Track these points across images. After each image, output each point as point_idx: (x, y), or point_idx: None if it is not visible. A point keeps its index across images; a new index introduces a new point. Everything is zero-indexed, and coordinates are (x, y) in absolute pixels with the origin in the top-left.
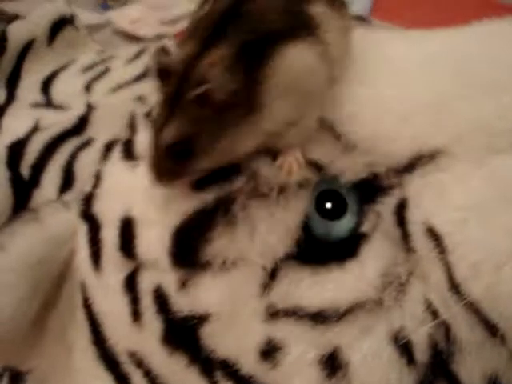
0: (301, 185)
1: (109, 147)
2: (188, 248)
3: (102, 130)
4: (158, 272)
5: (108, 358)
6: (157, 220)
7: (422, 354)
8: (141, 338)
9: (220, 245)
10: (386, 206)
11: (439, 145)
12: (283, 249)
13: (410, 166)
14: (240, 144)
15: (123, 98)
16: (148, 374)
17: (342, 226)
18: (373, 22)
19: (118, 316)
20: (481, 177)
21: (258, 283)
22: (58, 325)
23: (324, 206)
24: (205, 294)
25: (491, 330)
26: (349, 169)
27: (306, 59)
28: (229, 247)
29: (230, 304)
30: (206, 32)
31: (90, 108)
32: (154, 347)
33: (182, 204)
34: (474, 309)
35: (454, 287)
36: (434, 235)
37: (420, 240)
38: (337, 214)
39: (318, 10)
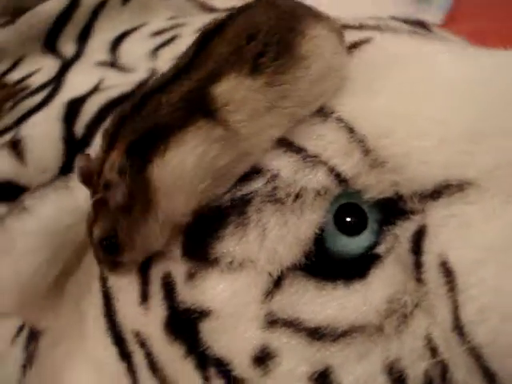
0: (319, 194)
1: None
2: (199, 241)
3: None
4: (170, 260)
5: (116, 333)
6: None
7: None
8: (146, 321)
9: (230, 244)
10: (404, 230)
11: (471, 176)
12: (291, 258)
13: (437, 192)
14: (154, 238)
15: None
16: (149, 355)
17: (359, 244)
18: (433, 30)
19: (128, 294)
20: (509, 218)
21: (261, 288)
22: (75, 292)
23: (344, 219)
24: (209, 291)
25: (490, 378)
26: (374, 185)
27: (192, 154)
28: (238, 248)
29: (231, 304)
30: (110, 130)
31: (152, 74)
32: (156, 332)
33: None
34: (475, 354)
35: (459, 328)
36: (447, 270)
37: (432, 272)
38: (355, 230)
39: (225, 88)
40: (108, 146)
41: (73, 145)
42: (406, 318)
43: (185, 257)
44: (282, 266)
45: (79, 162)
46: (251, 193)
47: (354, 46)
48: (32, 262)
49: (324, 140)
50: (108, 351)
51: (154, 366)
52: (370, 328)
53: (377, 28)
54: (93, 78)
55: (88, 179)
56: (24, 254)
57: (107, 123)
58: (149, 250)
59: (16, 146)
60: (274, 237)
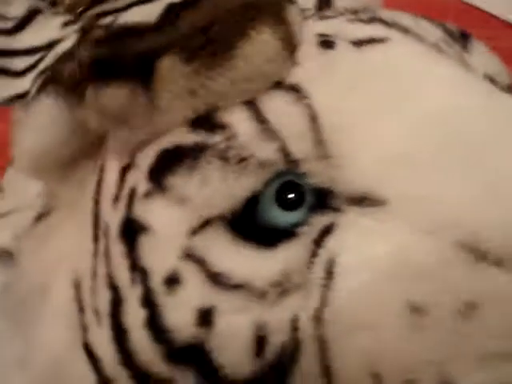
0: (263, 165)
1: None
2: (160, 169)
3: None
4: (140, 174)
5: (96, 218)
6: None
7: (270, 354)
8: (111, 217)
9: (178, 180)
10: (319, 222)
11: (388, 196)
12: (220, 210)
13: (358, 200)
14: None
15: None
16: (105, 247)
17: (288, 219)
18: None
19: (109, 190)
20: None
21: (190, 225)
22: (83, 176)
23: (285, 194)
24: (154, 212)
25: (325, 370)
26: (316, 174)
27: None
28: (183, 185)
29: (165, 229)
30: None
31: None
32: (113, 230)
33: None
34: (322, 346)
35: (317, 320)
36: (329, 268)
37: (319, 265)
38: (291, 206)
39: (166, 64)
40: None
41: None
42: (287, 293)
43: (147, 178)
44: (210, 213)
45: None
46: (208, 144)
47: (362, 42)
48: (51, 133)
49: (288, 119)
50: (87, 243)
51: (107, 255)
52: (257, 290)
53: (402, 29)
54: None
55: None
56: (45, 126)
57: None
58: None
59: None
60: (211, 187)
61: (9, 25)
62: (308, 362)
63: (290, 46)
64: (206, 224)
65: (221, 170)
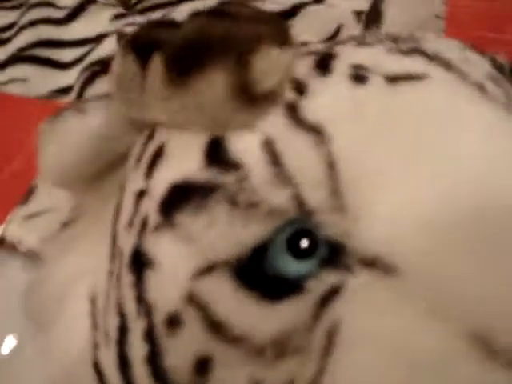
0: (274, 213)
1: None
2: (171, 204)
3: None
4: (151, 205)
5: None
6: None
7: None
8: (126, 240)
9: (186, 218)
10: (328, 279)
11: (401, 266)
12: (226, 255)
13: (370, 262)
14: None
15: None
16: (119, 270)
17: (299, 269)
18: None
19: (125, 213)
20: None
21: (195, 266)
22: (107, 192)
23: (297, 241)
24: (161, 247)
25: None
26: (331, 226)
27: None
28: (190, 224)
29: (170, 267)
30: None
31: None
32: (126, 254)
33: None
34: None
35: None
36: (330, 337)
37: (320, 331)
38: (303, 254)
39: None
40: None
41: None
42: (285, 354)
43: (158, 211)
44: (216, 257)
45: None
46: (219, 184)
47: (397, 79)
48: (78, 151)
49: (305, 164)
50: (106, 248)
51: (119, 280)
52: (256, 347)
53: (444, 64)
54: None
55: None
56: (72, 145)
57: None
58: None
59: None
60: (218, 230)
61: (61, 14)
62: None
63: (246, 95)
64: (211, 268)
65: (229, 213)
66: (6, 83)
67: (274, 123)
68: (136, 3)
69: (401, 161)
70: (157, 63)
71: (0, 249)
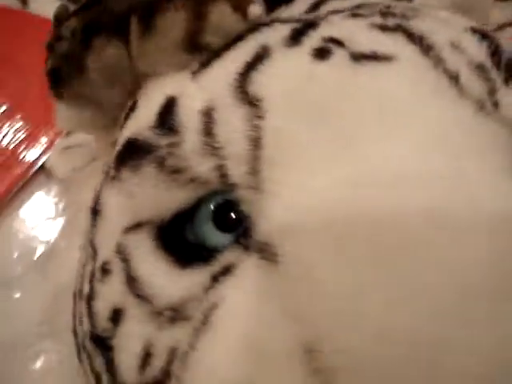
0: (197, 181)
1: None
2: (121, 158)
3: None
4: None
5: None
6: None
7: (150, 374)
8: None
9: (127, 173)
10: (230, 255)
11: (282, 255)
12: (149, 216)
13: (261, 249)
14: None
15: None
16: None
17: (217, 239)
18: None
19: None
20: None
21: (127, 221)
22: None
23: (223, 213)
24: (110, 198)
25: None
26: (248, 203)
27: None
28: (128, 180)
29: (111, 218)
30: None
31: None
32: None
33: None
34: None
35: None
36: (209, 313)
37: (205, 306)
38: (225, 227)
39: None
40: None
41: None
42: (176, 321)
43: (114, 164)
44: (143, 216)
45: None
46: (155, 146)
47: (362, 57)
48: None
49: (233, 137)
50: None
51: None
52: (156, 308)
53: (425, 47)
54: None
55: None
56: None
57: None
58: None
59: None
60: (146, 190)
61: None
62: None
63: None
64: (138, 225)
65: (156, 176)
66: None
67: (221, 91)
68: None
69: (325, 147)
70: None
71: (41, 173)
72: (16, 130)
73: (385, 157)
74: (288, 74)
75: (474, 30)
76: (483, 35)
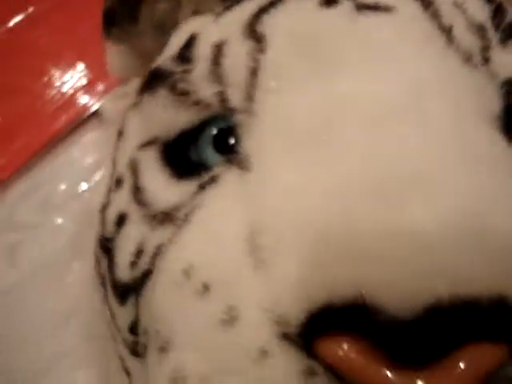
0: (201, 104)
1: None
2: (142, 86)
3: None
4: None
5: None
6: None
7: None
8: None
9: (146, 97)
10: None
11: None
12: (158, 133)
13: (240, 164)
14: None
15: None
16: None
17: (215, 159)
18: None
19: None
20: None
21: (140, 140)
22: None
23: (225, 139)
24: (130, 120)
25: None
26: (242, 126)
27: None
28: (147, 103)
29: (128, 137)
30: None
31: None
32: None
33: None
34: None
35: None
36: (187, 217)
37: (186, 210)
38: (223, 150)
39: None
40: None
41: None
42: (165, 223)
43: (137, 92)
44: (154, 133)
45: None
46: (171, 71)
47: (364, 7)
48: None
49: (236, 65)
50: None
51: None
52: (152, 212)
53: (426, 2)
54: None
55: None
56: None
57: None
58: None
59: None
60: (158, 110)
61: None
62: None
63: None
64: (150, 143)
65: (166, 97)
66: None
67: (234, 29)
68: None
69: (309, 78)
70: None
71: (94, 118)
72: (77, 77)
73: (354, 82)
74: (293, 16)
75: None
76: (490, 1)
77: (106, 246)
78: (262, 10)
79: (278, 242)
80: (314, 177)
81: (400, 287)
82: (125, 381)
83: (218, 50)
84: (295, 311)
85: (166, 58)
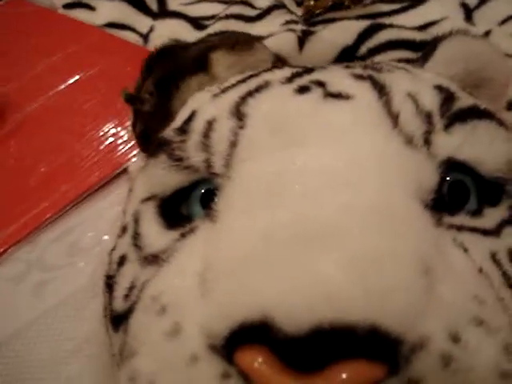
0: (191, 169)
1: None
2: (150, 152)
3: None
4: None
5: None
6: None
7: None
8: None
9: (152, 161)
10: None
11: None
12: (157, 191)
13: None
14: None
15: None
16: None
17: (199, 213)
18: None
19: None
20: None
21: (144, 195)
22: None
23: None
24: (137, 180)
25: None
26: (220, 186)
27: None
28: (151, 166)
29: (135, 193)
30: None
31: None
32: None
33: None
34: None
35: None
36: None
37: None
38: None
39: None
40: (143, 79)
41: None
42: (155, 263)
43: (145, 156)
44: (154, 190)
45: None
46: (171, 140)
47: (330, 95)
48: None
49: (221, 139)
50: None
51: None
52: (146, 254)
53: (382, 91)
54: None
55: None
56: None
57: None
58: None
59: None
60: (158, 171)
61: (252, 13)
62: None
63: None
64: (150, 198)
65: (165, 161)
66: None
67: (224, 108)
68: (318, 14)
69: (275, 150)
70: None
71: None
72: (112, 139)
73: (309, 156)
74: (271, 100)
75: (438, 87)
76: (444, 91)
77: (109, 283)
78: (249, 94)
79: (219, 275)
80: (253, 227)
81: (293, 311)
82: None
83: (209, 125)
84: (220, 328)
85: (170, 129)
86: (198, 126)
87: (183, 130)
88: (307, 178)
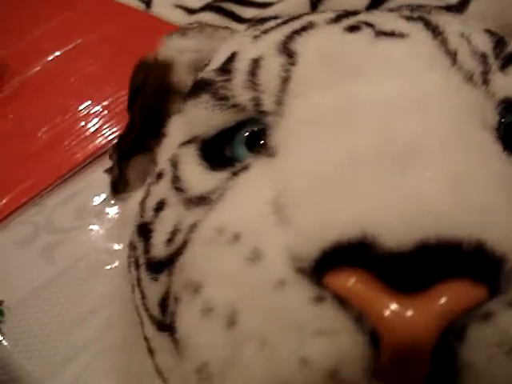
0: (237, 107)
1: None
2: (188, 94)
3: None
4: None
5: None
6: None
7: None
8: None
9: (190, 102)
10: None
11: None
12: (199, 132)
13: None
14: None
15: None
16: None
17: (245, 155)
18: None
19: None
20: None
21: (182, 139)
22: None
23: (256, 137)
24: (174, 122)
25: None
26: (271, 126)
27: None
28: (190, 108)
29: (171, 137)
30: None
31: None
32: None
33: None
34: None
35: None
36: (220, 197)
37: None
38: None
39: None
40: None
41: None
42: (200, 205)
43: (182, 99)
44: (195, 132)
45: None
46: (213, 80)
47: (382, 34)
48: None
49: (270, 76)
50: None
51: None
52: (189, 196)
53: (436, 32)
54: None
55: None
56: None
57: None
58: None
59: None
60: (199, 112)
61: None
62: None
63: None
64: (190, 141)
65: (208, 101)
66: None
67: (270, 47)
68: None
69: (329, 84)
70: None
71: None
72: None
73: (371, 88)
74: (321, 38)
75: (488, 31)
76: (494, 35)
77: (144, 231)
78: (295, 32)
79: (298, 199)
80: (330, 151)
81: (395, 228)
82: (145, 363)
83: (255, 63)
84: (309, 249)
85: (208, 71)
86: (243, 65)
87: (225, 69)
88: (376, 107)
